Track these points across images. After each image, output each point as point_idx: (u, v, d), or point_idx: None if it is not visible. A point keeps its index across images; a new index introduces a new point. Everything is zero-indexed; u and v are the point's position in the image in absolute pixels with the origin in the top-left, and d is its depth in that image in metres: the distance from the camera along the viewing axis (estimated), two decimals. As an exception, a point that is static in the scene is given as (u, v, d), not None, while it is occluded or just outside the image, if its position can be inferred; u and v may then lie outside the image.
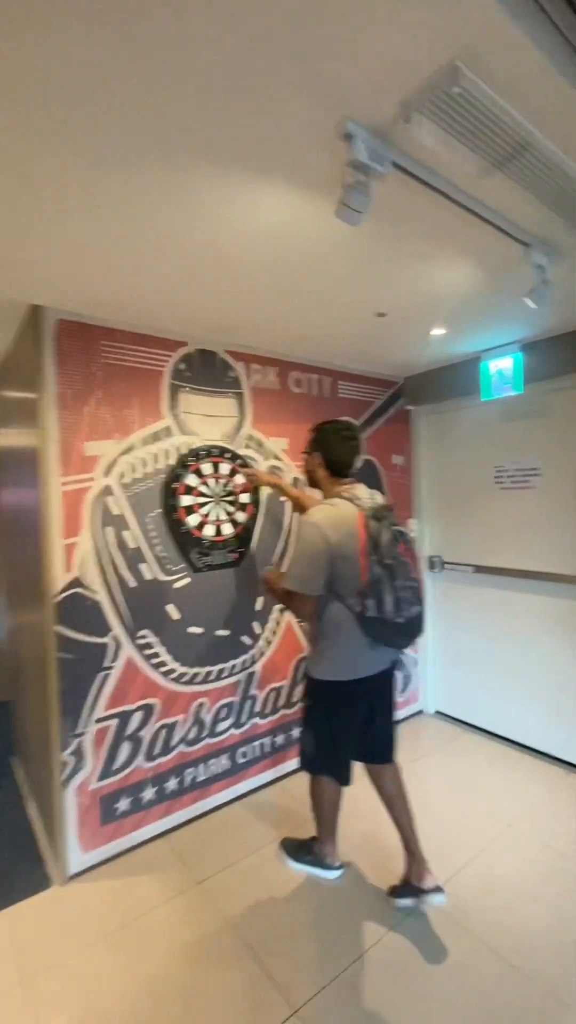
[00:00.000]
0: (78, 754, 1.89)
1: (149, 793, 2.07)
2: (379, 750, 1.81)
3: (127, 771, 2.01)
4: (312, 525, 1.56)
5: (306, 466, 1.80)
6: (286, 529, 2.51)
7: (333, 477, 1.73)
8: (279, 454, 2.49)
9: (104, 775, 1.95)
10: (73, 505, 1.87)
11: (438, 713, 3.17)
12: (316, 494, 1.85)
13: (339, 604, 1.61)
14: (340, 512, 1.59)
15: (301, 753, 1.84)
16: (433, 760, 2.65)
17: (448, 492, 3.04)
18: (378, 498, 1.71)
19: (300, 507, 2.19)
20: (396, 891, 1.75)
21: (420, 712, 3.18)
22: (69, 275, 1.60)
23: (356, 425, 1.79)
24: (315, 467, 1.75)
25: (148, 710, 2.06)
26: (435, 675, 3.17)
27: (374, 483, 2.95)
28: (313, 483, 1.82)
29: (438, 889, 1.69)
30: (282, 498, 2.45)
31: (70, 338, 1.87)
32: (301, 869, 1.89)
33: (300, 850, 1.94)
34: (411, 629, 1.59)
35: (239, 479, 2.31)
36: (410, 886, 1.73)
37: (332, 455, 1.71)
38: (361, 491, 1.70)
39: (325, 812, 1.86)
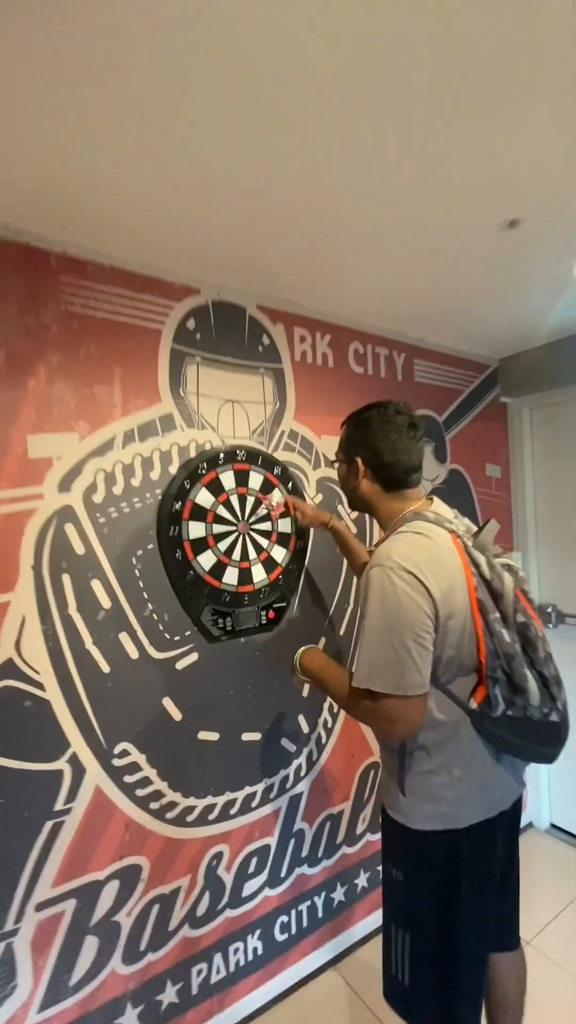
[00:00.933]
0: (5, 969, 1.09)
1: (130, 1017, 1.25)
2: (504, 932, 1.13)
3: (93, 984, 1.20)
4: (400, 573, 0.90)
5: (342, 481, 1.16)
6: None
7: (391, 492, 1.07)
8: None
9: (52, 999, 1.15)
10: (5, 539, 1.12)
11: (554, 828, 2.23)
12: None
13: (441, 696, 0.95)
14: (434, 544, 0.95)
15: (387, 976, 1.06)
16: (565, 921, 1.74)
17: (567, 515, 2.17)
18: (463, 518, 1.10)
19: (357, 566, 1.47)
20: None
21: (529, 826, 2.25)
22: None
23: (408, 408, 1.09)
24: (358, 480, 1.09)
25: (130, 876, 1.25)
26: (549, 774, 2.26)
27: (466, 503, 2.13)
28: (357, 504, 1.14)
29: None
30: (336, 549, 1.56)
31: (6, 269, 1.15)
32: None
33: None
34: (565, 729, 0.96)
35: (277, 495, 1.53)
36: None
37: (386, 457, 1.04)
38: (442, 507, 1.07)
39: None
